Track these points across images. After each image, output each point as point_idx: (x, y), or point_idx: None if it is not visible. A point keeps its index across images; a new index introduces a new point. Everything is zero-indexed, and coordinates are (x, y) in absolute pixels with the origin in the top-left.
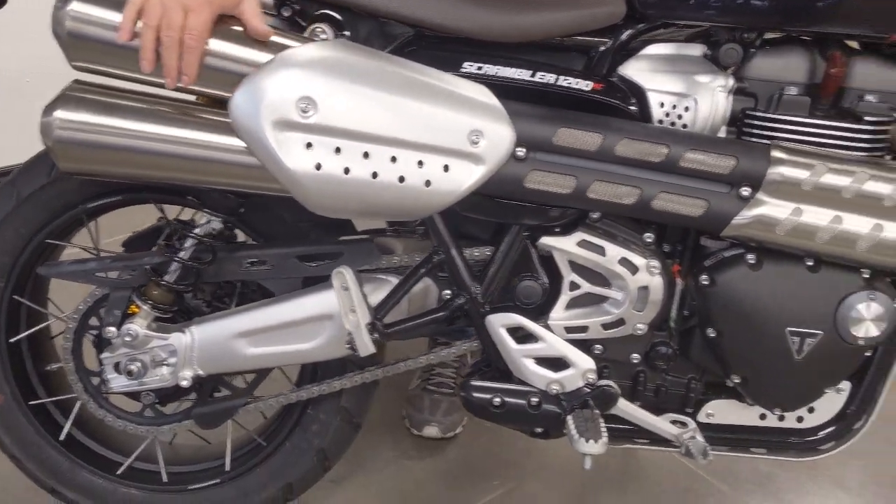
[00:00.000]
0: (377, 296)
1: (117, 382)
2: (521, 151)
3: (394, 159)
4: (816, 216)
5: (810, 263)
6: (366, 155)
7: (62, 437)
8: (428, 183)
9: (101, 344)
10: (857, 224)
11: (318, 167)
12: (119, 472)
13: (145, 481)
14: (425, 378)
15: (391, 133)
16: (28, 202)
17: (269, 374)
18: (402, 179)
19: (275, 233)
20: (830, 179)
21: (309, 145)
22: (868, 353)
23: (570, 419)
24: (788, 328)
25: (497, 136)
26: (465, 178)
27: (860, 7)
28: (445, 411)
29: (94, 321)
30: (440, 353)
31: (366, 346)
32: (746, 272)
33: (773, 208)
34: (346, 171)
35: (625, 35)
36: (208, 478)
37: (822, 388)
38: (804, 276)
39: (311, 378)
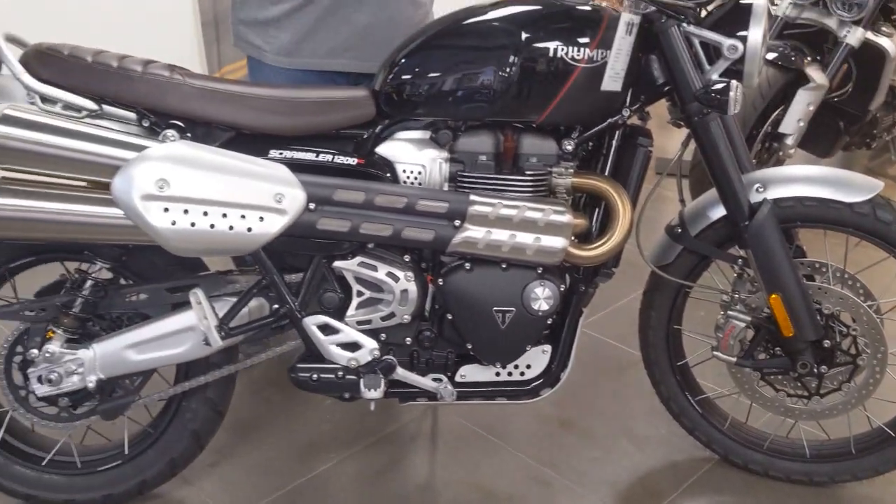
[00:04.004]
0: (223, 310)
1: (41, 390)
2: (312, 206)
3: (224, 215)
4: (500, 235)
5: (504, 266)
6: (205, 213)
7: None
8: (249, 229)
9: (25, 365)
10: (525, 239)
11: (174, 223)
12: (43, 463)
13: (65, 468)
14: None
15: (220, 198)
16: None
17: (152, 376)
18: (231, 228)
19: (149, 274)
20: (505, 212)
21: (166, 209)
22: (549, 322)
23: (361, 381)
24: (494, 308)
25: (293, 196)
26: (274, 224)
27: (512, 106)
28: None
29: (18, 349)
30: (275, 350)
31: (216, 341)
32: (464, 274)
33: (474, 232)
34: (192, 224)
35: (378, 128)
36: (112, 460)
37: (523, 347)
38: (500, 274)
39: (183, 377)
